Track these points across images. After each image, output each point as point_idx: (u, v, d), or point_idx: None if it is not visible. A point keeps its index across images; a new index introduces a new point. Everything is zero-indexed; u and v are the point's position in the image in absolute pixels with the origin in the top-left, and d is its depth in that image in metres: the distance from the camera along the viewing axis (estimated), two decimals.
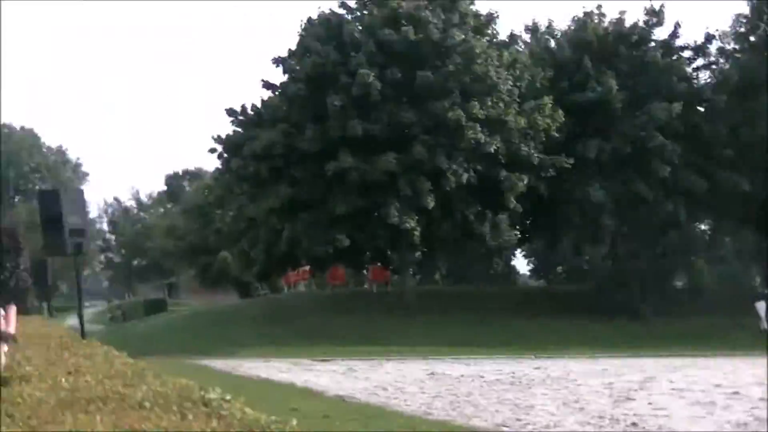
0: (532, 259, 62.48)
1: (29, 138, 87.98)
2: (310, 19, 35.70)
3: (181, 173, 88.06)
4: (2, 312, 7.89)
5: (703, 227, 46.67)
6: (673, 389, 16.24)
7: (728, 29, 40.84)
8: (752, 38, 39.85)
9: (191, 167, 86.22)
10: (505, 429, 11.83)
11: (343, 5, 36.30)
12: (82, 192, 20.30)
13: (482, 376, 19.65)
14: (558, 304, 39.04)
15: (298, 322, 34.43)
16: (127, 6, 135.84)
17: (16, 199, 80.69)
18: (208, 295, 61.99)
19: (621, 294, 37.05)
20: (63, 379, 5.95)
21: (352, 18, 36.00)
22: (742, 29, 40.35)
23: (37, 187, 73.71)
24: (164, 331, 36.74)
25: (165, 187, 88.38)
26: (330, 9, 36.36)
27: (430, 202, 32.63)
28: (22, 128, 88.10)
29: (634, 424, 12.08)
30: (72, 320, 34.59)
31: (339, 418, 12.24)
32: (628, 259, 39.64)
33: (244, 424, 4.64)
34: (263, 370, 20.61)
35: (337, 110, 32.62)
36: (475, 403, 14.96)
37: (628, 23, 38.94)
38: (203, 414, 4.77)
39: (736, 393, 15.17)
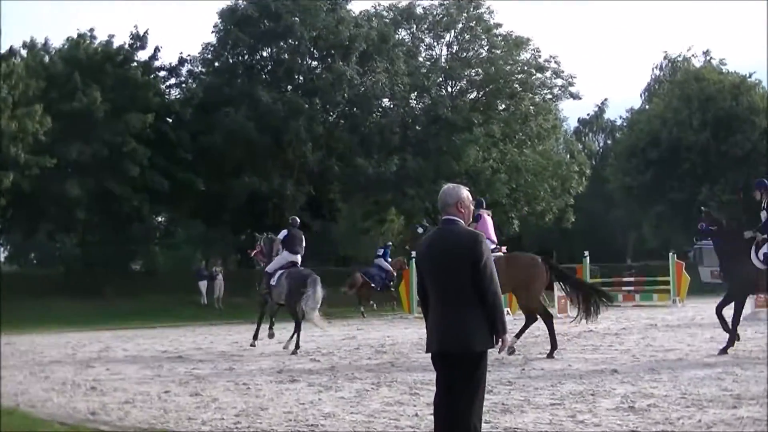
0: (8, 247, 61.79)
1: None
2: None
3: None
4: None
5: (161, 219, 49.21)
6: (126, 356, 17.90)
7: (198, 55, 45.37)
8: (217, 64, 44.59)
9: None
10: None
11: None
12: None
13: None
14: (30, 287, 39.68)
15: None
16: None
17: None
18: None
19: (87, 276, 39.71)
20: None
21: None
22: (209, 56, 45.03)
23: None
24: None
25: None
26: None
27: None
28: None
29: (93, 388, 12.64)
30: None
31: None
32: (96, 246, 42.75)
33: None
34: None
35: None
36: None
37: (116, 45, 42.33)
38: None
39: (180, 357, 17.34)
